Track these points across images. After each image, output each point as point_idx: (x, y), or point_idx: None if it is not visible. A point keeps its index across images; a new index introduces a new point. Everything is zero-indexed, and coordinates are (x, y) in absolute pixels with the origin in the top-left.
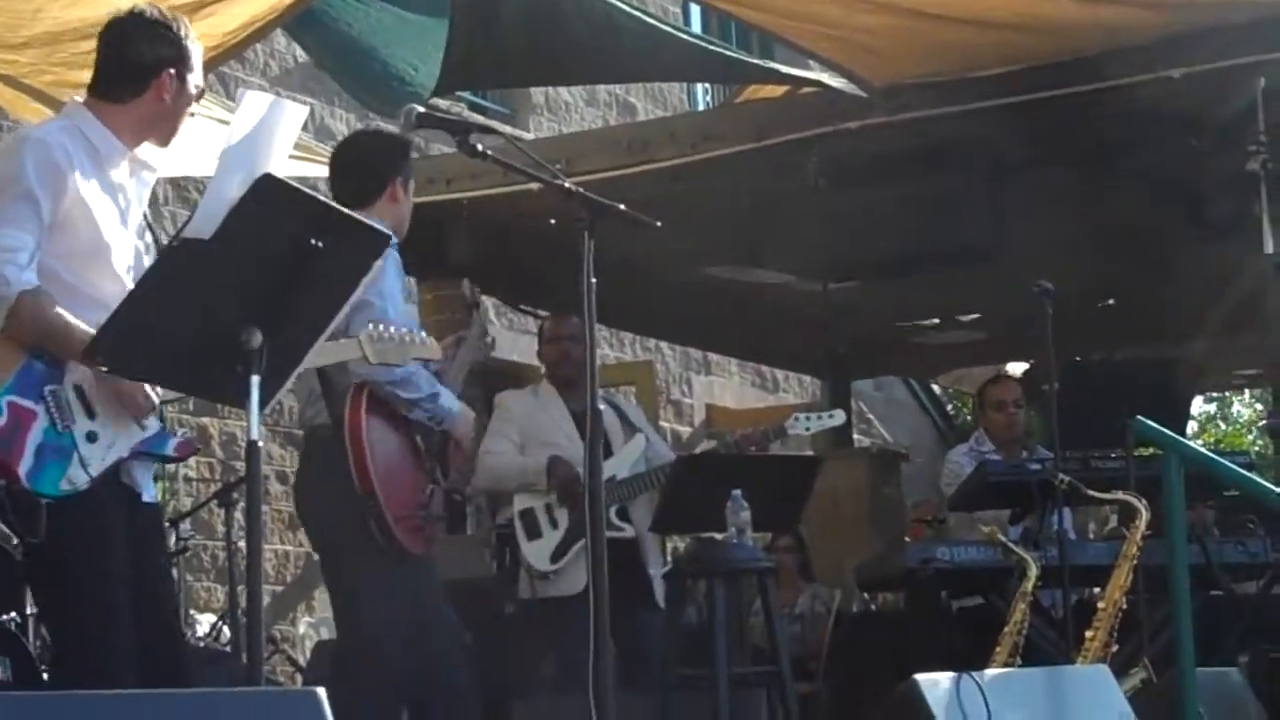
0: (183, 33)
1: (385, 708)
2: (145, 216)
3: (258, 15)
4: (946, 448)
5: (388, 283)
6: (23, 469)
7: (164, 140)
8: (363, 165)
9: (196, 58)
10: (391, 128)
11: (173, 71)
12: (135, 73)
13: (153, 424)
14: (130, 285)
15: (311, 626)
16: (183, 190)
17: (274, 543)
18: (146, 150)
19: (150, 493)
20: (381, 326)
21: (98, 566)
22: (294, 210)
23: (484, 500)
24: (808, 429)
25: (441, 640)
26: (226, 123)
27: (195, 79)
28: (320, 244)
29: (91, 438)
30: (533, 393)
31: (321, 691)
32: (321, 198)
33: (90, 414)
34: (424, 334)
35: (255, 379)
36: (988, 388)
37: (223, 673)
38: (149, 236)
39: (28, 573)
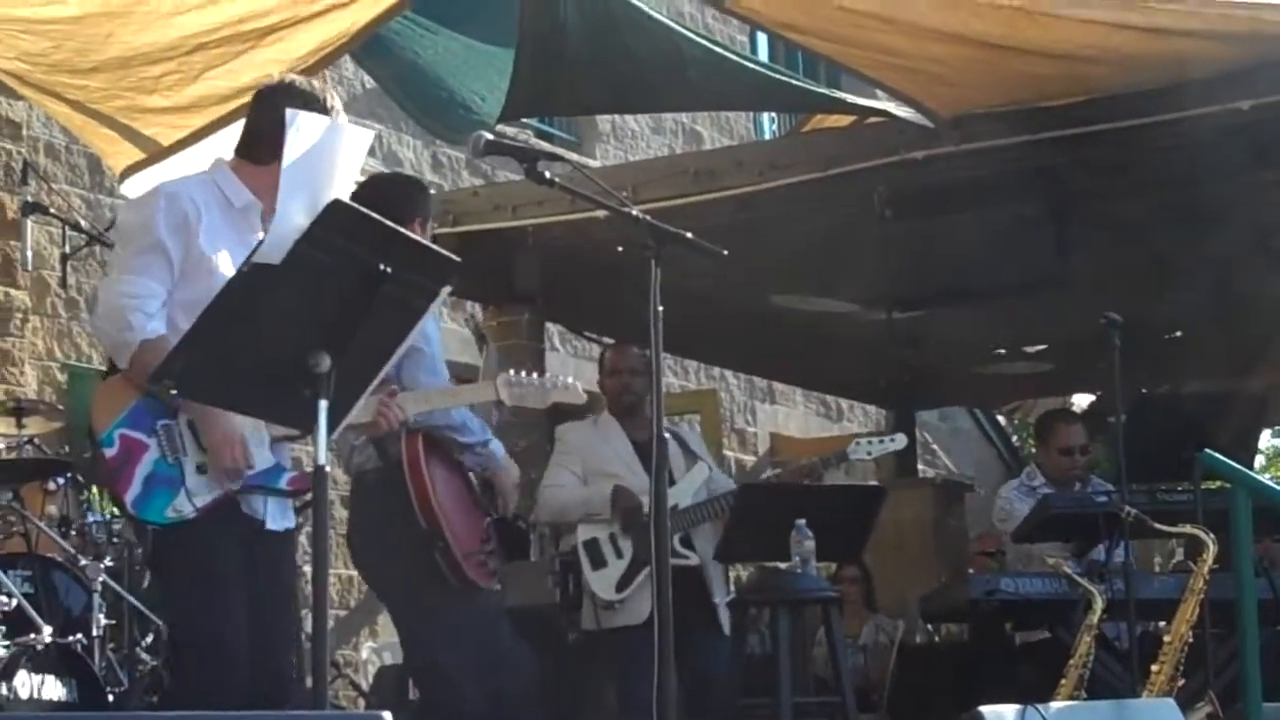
0: (330, 104)
1: None
2: None
3: (327, 41)
4: (1011, 479)
5: (430, 327)
6: (129, 497)
7: None
8: (382, 208)
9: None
10: (408, 172)
11: None
12: (278, 136)
13: (266, 458)
14: None
15: (374, 651)
16: None
17: (337, 567)
18: None
19: (279, 521)
20: (521, 373)
21: (199, 595)
22: (363, 235)
23: (548, 528)
24: (869, 454)
25: (514, 674)
26: None
27: None
28: (388, 269)
29: (201, 470)
30: (593, 423)
31: (388, 716)
32: (388, 223)
33: (202, 448)
34: (569, 378)
35: (323, 404)
36: (1055, 428)
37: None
38: None
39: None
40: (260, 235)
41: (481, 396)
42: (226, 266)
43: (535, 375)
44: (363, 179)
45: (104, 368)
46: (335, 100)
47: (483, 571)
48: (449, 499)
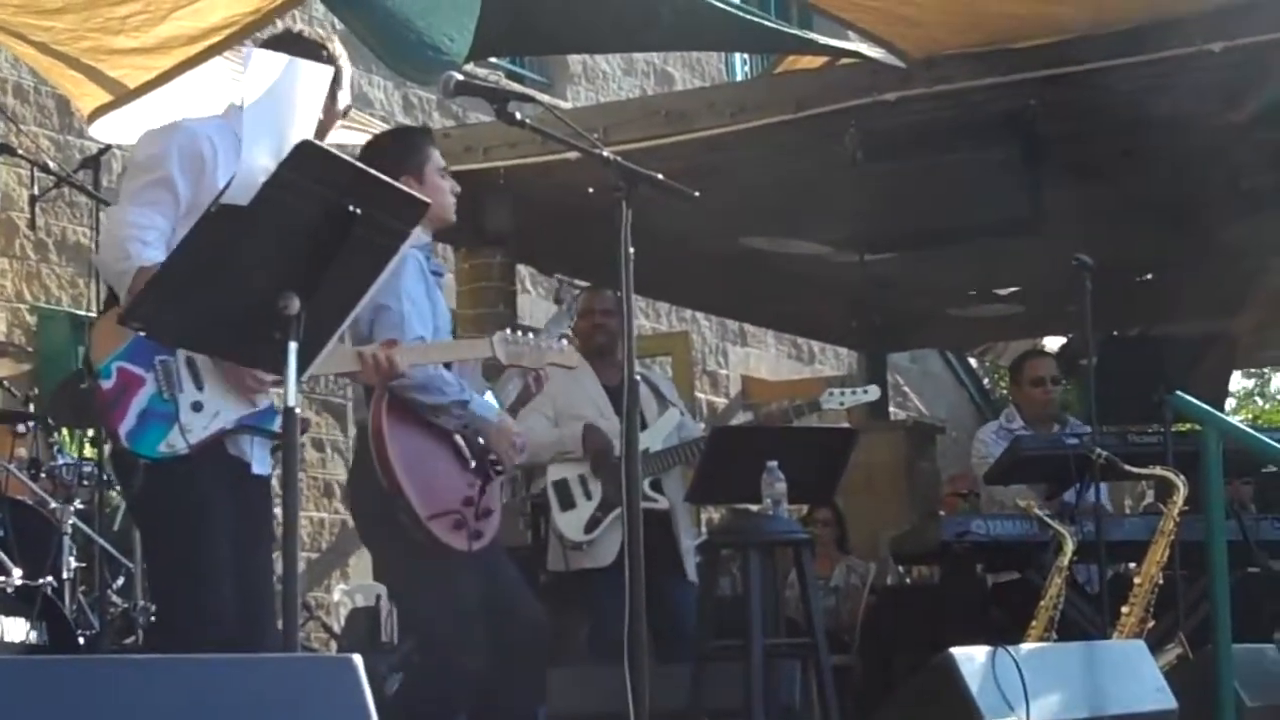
0: (336, 51)
1: (447, 704)
2: None
3: None
4: (983, 421)
5: (408, 283)
6: (123, 429)
7: None
8: (381, 166)
9: (346, 74)
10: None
11: None
12: None
13: (262, 400)
14: None
15: (346, 594)
16: None
17: (309, 510)
18: None
19: (262, 466)
20: (518, 332)
21: (189, 531)
22: (332, 176)
23: (519, 470)
24: (842, 404)
25: (513, 627)
26: None
27: (344, 96)
28: (357, 210)
29: (197, 407)
30: None
31: (358, 658)
32: (359, 163)
33: (199, 385)
34: (564, 342)
35: (293, 345)
36: (1025, 363)
37: None
38: None
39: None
40: None
41: (477, 353)
42: None
43: (532, 336)
44: (368, 140)
45: (74, 309)
46: (338, 47)
47: (458, 533)
48: (417, 458)
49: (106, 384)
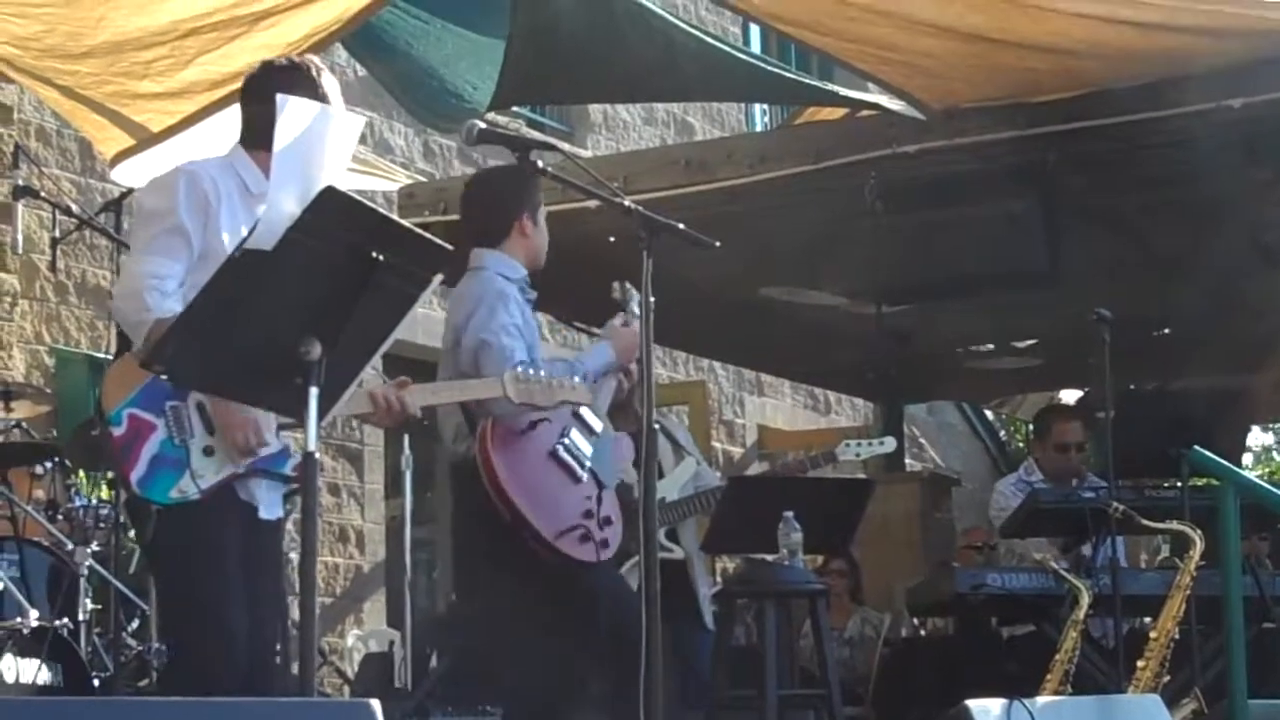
0: (316, 75)
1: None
2: None
3: (319, 27)
4: (999, 473)
5: (509, 318)
6: (134, 475)
7: None
8: (489, 204)
9: (335, 96)
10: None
11: None
12: (274, 118)
13: (274, 443)
14: None
15: (360, 639)
16: None
17: (323, 555)
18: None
19: (271, 510)
20: (529, 370)
21: (203, 574)
22: (355, 223)
23: None
24: (858, 455)
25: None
26: None
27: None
28: (380, 257)
29: (208, 452)
30: None
31: (375, 703)
32: (381, 210)
33: (210, 430)
34: (575, 378)
35: (314, 390)
36: (1054, 425)
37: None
38: None
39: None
40: None
41: (489, 392)
42: None
43: (543, 374)
44: (475, 174)
45: (92, 352)
46: (324, 71)
47: (585, 546)
48: (533, 480)
49: (118, 431)
